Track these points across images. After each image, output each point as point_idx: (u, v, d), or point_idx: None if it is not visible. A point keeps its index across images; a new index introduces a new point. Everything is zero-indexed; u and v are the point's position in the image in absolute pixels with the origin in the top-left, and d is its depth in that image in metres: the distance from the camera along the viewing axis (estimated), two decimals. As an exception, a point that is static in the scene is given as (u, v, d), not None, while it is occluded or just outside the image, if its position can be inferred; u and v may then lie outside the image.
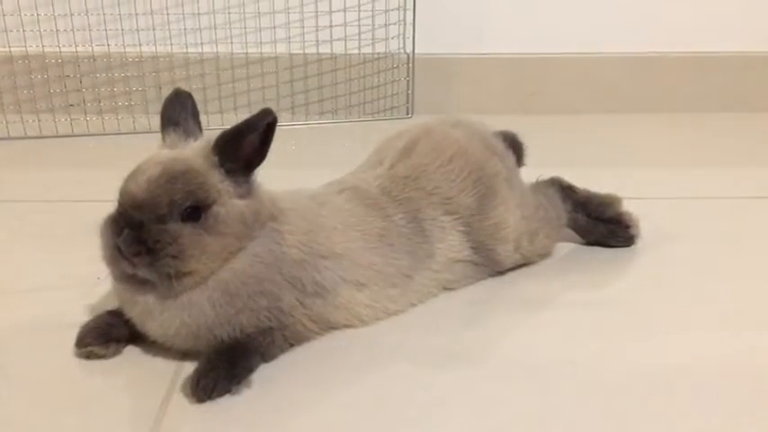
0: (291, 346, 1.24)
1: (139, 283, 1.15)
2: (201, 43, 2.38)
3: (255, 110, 1.14)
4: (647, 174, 2.04)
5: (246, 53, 2.41)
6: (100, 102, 2.39)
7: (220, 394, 1.11)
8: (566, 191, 1.57)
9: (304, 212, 1.27)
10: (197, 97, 1.27)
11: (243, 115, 1.17)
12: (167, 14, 2.35)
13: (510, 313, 1.36)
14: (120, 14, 2.32)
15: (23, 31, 2.28)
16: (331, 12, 2.40)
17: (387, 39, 2.46)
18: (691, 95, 2.56)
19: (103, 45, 2.34)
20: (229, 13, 2.37)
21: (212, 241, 1.13)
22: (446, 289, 1.41)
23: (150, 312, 1.17)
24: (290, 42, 2.42)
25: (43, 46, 2.31)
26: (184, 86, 1.27)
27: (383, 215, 1.34)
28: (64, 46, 2.32)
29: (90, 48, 2.34)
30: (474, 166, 1.42)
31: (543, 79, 2.54)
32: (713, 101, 2.57)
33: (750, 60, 2.55)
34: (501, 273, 1.46)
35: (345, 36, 2.42)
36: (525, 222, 1.46)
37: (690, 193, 1.89)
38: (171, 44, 2.37)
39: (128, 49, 2.36)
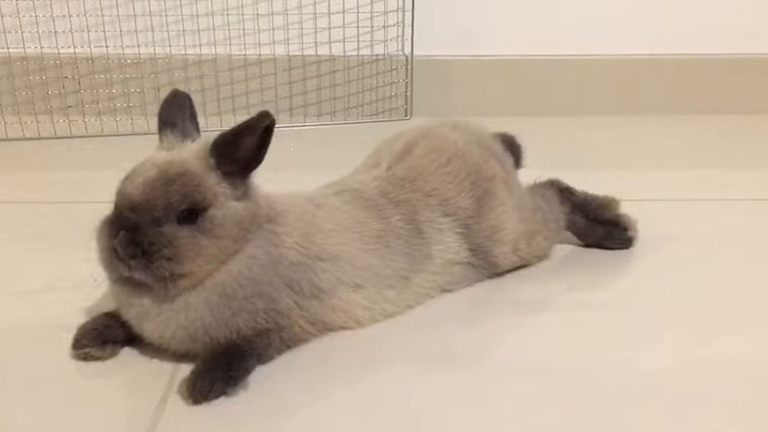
0: (288, 347, 1.23)
1: (136, 286, 1.15)
2: (200, 45, 2.38)
3: (254, 112, 1.14)
4: (645, 176, 2.04)
5: (245, 55, 2.41)
6: (98, 103, 2.40)
7: (217, 396, 1.11)
8: (564, 193, 1.57)
9: (301, 214, 1.27)
10: (195, 99, 1.27)
11: (241, 117, 1.17)
12: (166, 16, 2.35)
13: (508, 315, 1.36)
14: (118, 16, 2.33)
15: (22, 32, 2.29)
16: (330, 14, 2.40)
17: (385, 41, 2.46)
18: (689, 98, 2.56)
19: (102, 47, 2.34)
20: (228, 14, 2.37)
21: (208, 244, 1.13)
22: (444, 290, 1.40)
23: (147, 314, 1.16)
24: (288, 44, 2.42)
25: (41, 47, 2.31)
26: (183, 88, 1.27)
27: (381, 217, 1.34)
28: (62, 47, 2.32)
29: (88, 49, 2.34)
30: (472, 168, 1.42)
31: (541, 81, 2.54)
32: (712, 103, 2.57)
33: (749, 63, 2.55)
34: (499, 274, 1.46)
35: (344, 38, 2.43)
36: (523, 224, 1.46)
37: (688, 195, 1.89)
38: (169, 46, 2.37)
39: (126, 51, 2.36)
